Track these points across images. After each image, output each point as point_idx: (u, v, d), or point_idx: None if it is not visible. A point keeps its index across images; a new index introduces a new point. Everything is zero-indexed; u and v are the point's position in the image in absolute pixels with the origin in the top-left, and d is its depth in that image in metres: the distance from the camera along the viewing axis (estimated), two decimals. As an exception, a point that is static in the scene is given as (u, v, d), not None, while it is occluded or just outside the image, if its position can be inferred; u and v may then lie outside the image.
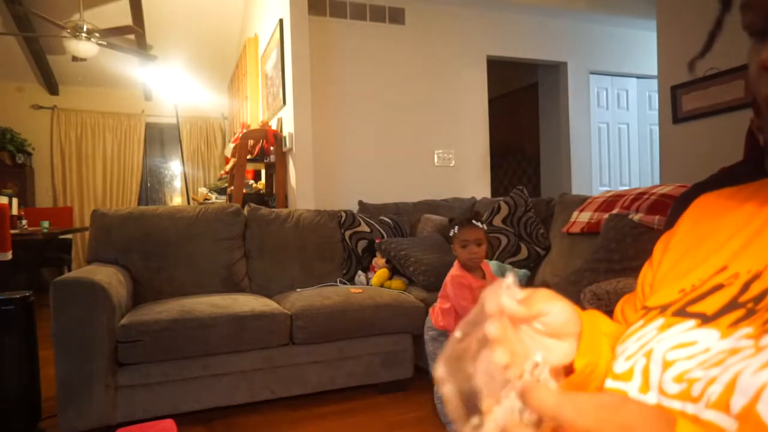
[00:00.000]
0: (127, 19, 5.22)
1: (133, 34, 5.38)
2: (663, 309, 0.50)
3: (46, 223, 4.73)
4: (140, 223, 2.65)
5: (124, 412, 2.03)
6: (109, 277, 2.14)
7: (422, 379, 2.56)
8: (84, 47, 4.45)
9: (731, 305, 0.45)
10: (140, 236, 2.61)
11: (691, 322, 0.46)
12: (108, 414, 1.99)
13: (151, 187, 7.35)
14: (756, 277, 0.46)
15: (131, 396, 2.04)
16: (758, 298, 0.44)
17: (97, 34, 4.47)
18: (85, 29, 4.36)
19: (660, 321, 0.49)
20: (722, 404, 0.38)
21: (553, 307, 0.47)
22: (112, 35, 4.61)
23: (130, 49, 5.19)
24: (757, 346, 0.40)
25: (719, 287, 0.47)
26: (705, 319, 0.46)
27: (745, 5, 0.47)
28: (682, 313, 0.48)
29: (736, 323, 0.43)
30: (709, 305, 0.47)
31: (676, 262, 0.56)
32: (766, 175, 0.56)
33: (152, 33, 5.74)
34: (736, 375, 0.38)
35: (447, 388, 0.39)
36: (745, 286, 0.46)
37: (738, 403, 0.37)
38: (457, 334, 0.40)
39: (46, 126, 6.57)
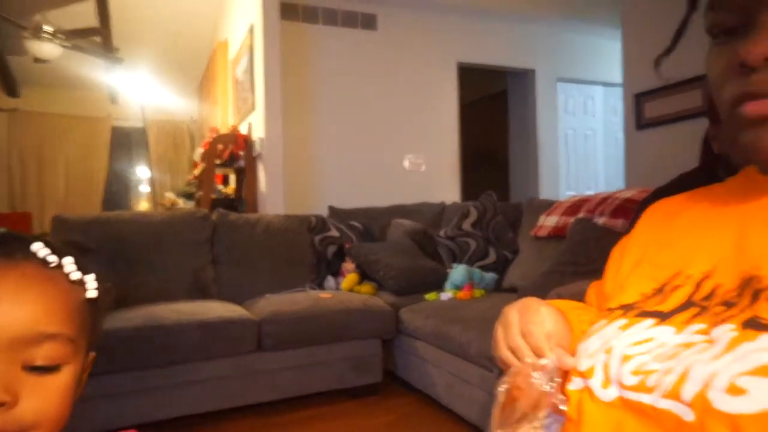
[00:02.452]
0: (92, 21, 5.10)
1: (99, 36, 5.26)
2: (625, 310, 0.52)
3: (2, 230, 4.57)
4: (105, 229, 2.58)
5: (86, 424, 1.96)
6: (70, 284, 2.08)
7: (392, 384, 2.56)
8: (46, 49, 4.32)
9: (686, 304, 0.47)
10: (105, 242, 2.54)
11: (650, 321, 0.48)
12: (68, 426, 1.92)
13: (117, 192, 7.17)
14: (707, 276, 0.48)
15: (94, 407, 1.98)
16: (709, 296, 0.46)
17: (61, 36, 4.35)
18: (47, 30, 4.24)
19: (622, 321, 0.51)
20: (675, 393, 0.39)
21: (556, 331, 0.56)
22: (76, 37, 4.50)
23: (95, 51, 5.07)
24: (709, 339, 0.42)
25: (675, 288, 0.50)
26: (662, 317, 0.48)
27: (716, 4, 0.47)
28: (642, 314, 0.50)
29: (690, 320, 0.46)
30: (666, 305, 0.49)
31: (635, 264, 0.58)
32: (719, 181, 0.59)
33: (119, 35, 5.61)
34: (689, 366, 0.40)
35: (501, 392, 0.52)
36: (698, 286, 0.48)
37: (690, 391, 0.38)
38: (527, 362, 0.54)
39: (3, 129, 6.35)
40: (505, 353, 0.57)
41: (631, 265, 0.58)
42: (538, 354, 0.53)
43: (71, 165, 6.62)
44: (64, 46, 4.45)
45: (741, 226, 0.49)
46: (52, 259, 0.49)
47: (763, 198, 0.49)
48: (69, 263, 0.49)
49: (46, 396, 0.46)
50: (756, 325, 0.39)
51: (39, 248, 0.49)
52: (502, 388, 0.51)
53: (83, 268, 0.51)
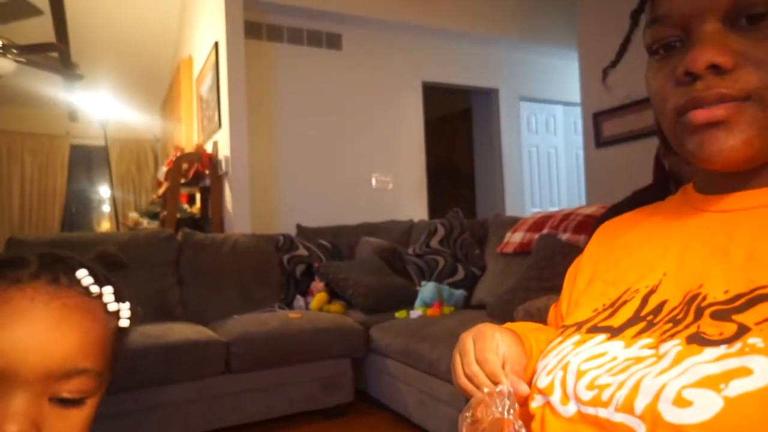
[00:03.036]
0: (49, 36, 4.98)
1: (56, 52, 5.13)
2: (579, 326, 0.54)
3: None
4: (65, 251, 2.50)
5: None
6: (27, 309, 2.00)
7: (363, 403, 2.54)
8: None
9: (634, 319, 0.50)
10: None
11: (602, 336, 0.51)
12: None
13: (77, 212, 6.94)
14: (652, 291, 0.51)
15: (51, 437, 1.90)
16: (656, 311, 0.49)
17: (15, 50, 4.22)
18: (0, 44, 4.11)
19: (576, 337, 0.53)
20: (628, 406, 0.41)
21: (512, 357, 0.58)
22: (31, 52, 4.38)
23: (53, 68, 4.94)
24: (657, 354, 0.44)
25: (624, 303, 0.52)
26: (613, 333, 0.50)
27: (657, 19, 0.49)
28: (594, 329, 0.52)
29: (638, 334, 0.48)
30: (616, 320, 0.51)
31: (588, 282, 0.60)
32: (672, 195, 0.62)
33: (78, 50, 5.50)
34: (640, 380, 0.42)
35: (463, 428, 0.52)
36: (644, 300, 0.51)
37: (641, 404, 0.40)
38: (484, 392, 0.54)
39: (-45, 147, 6.09)
40: (463, 382, 0.58)
41: (584, 284, 0.60)
42: (495, 381, 0.54)
43: (27, 184, 6.39)
44: (18, 61, 4.32)
45: (682, 243, 0.51)
46: (95, 290, 0.48)
47: (700, 215, 0.52)
48: (108, 293, 0.49)
49: (69, 429, 0.45)
50: (699, 340, 0.42)
51: (84, 276, 0.48)
52: (464, 420, 0.52)
53: (119, 296, 0.50)
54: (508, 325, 0.68)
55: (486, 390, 0.53)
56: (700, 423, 0.36)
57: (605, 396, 0.43)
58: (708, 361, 0.39)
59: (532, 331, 0.66)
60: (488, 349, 0.56)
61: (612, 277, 0.56)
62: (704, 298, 0.45)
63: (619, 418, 0.41)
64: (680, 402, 0.38)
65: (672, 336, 0.44)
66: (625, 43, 0.59)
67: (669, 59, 0.49)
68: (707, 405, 0.37)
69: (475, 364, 0.57)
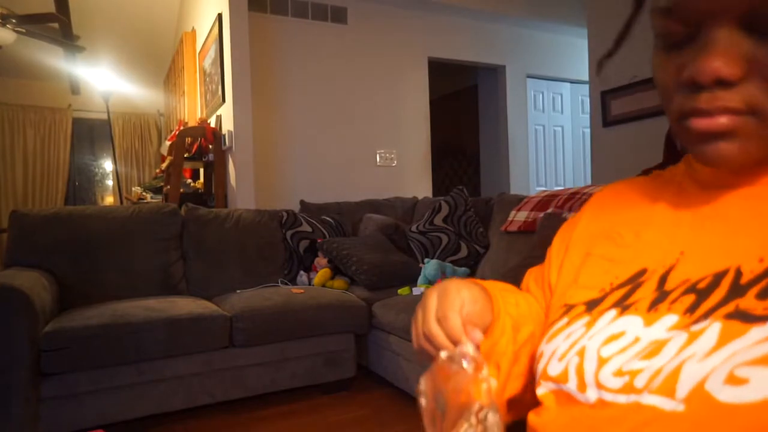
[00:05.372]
0: (49, 7, 4.90)
1: (56, 23, 5.06)
2: (589, 307, 0.51)
3: None
4: (68, 224, 2.50)
5: (48, 426, 1.91)
6: (30, 281, 2.01)
7: (365, 379, 2.56)
8: (-1, 34, 4.13)
9: (648, 295, 0.48)
10: (67, 238, 2.47)
11: (612, 312, 0.48)
12: (29, 429, 1.86)
13: (80, 186, 6.94)
14: (670, 270, 0.48)
15: (57, 408, 1.92)
16: (673, 289, 0.46)
17: (14, 20, 4.16)
18: (-1, 15, 4.05)
19: (586, 318, 0.50)
20: (667, 389, 0.39)
21: (470, 306, 0.54)
22: (31, 22, 4.31)
23: (53, 39, 4.87)
24: (690, 332, 0.41)
25: (639, 284, 0.49)
26: (624, 307, 0.48)
27: (665, 11, 0.45)
28: (604, 309, 0.50)
29: (654, 305, 0.46)
30: (629, 300, 0.49)
31: (584, 256, 0.57)
32: None
33: (79, 22, 5.43)
34: (681, 363, 0.39)
35: (423, 401, 0.47)
36: (662, 280, 0.48)
37: (685, 386, 0.38)
38: (443, 356, 0.48)
39: (-43, 119, 6.06)
40: (422, 341, 0.53)
41: (579, 257, 0.57)
42: (455, 340, 0.50)
43: (30, 158, 6.38)
44: (17, 32, 4.26)
45: (697, 220, 0.49)
46: None
47: (713, 192, 0.49)
48: None
49: None
50: (742, 316, 0.39)
51: None
52: (422, 392, 0.47)
53: None
54: (476, 280, 0.64)
55: (444, 354, 0.48)
56: (760, 400, 0.33)
57: (639, 382, 0.41)
58: (757, 341, 0.36)
59: (502, 291, 0.62)
60: (450, 307, 0.52)
61: (619, 255, 0.53)
62: (739, 274, 0.42)
63: (652, 400, 0.39)
64: (734, 380, 0.35)
65: (705, 315, 0.41)
66: (624, 31, 0.54)
67: (675, 53, 0.45)
68: (765, 383, 0.34)
69: (434, 322, 0.52)
